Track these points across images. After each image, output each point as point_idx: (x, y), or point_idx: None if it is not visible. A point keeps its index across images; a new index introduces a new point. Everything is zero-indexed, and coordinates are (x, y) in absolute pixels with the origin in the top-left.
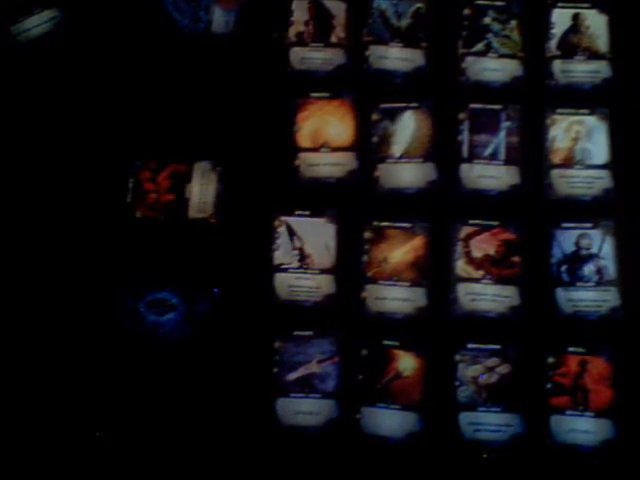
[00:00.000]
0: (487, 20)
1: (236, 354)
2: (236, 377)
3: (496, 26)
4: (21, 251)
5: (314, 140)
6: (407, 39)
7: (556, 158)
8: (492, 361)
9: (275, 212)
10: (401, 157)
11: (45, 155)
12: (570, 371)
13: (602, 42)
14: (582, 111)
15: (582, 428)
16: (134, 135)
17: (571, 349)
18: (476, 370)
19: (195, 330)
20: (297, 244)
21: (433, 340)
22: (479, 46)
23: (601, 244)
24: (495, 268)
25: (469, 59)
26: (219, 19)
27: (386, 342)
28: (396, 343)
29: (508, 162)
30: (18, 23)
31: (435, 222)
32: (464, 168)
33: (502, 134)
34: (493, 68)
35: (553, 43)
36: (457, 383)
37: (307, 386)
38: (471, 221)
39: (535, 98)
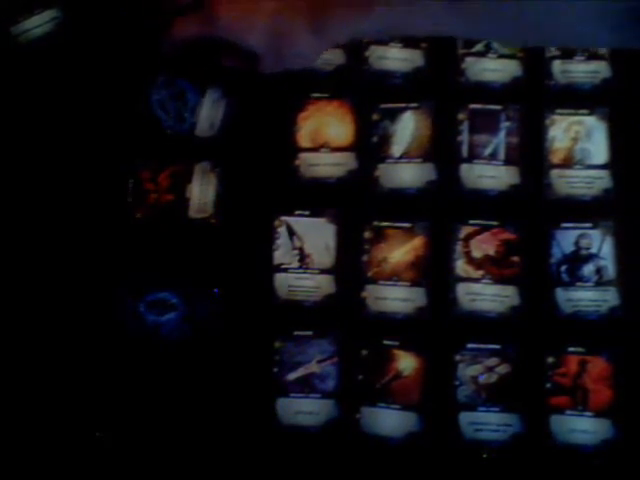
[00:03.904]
0: None
1: (236, 354)
2: (236, 377)
3: None
4: (20, 251)
5: (314, 140)
6: (407, 39)
7: (555, 158)
8: (492, 361)
9: (275, 212)
10: (401, 157)
11: (45, 155)
12: (570, 371)
13: None
14: (581, 111)
15: (582, 428)
16: (134, 135)
17: (571, 349)
18: (476, 370)
19: (195, 330)
20: (297, 244)
21: (433, 340)
22: (479, 46)
23: (601, 244)
24: (495, 268)
25: (469, 59)
26: None
27: (386, 342)
28: (396, 343)
29: (508, 162)
30: (18, 23)
31: (435, 222)
32: (464, 168)
33: (502, 134)
34: (493, 68)
35: None
36: (457, 383)
37: (307, 386)
38: (471, 221)
39: (535, 98)
